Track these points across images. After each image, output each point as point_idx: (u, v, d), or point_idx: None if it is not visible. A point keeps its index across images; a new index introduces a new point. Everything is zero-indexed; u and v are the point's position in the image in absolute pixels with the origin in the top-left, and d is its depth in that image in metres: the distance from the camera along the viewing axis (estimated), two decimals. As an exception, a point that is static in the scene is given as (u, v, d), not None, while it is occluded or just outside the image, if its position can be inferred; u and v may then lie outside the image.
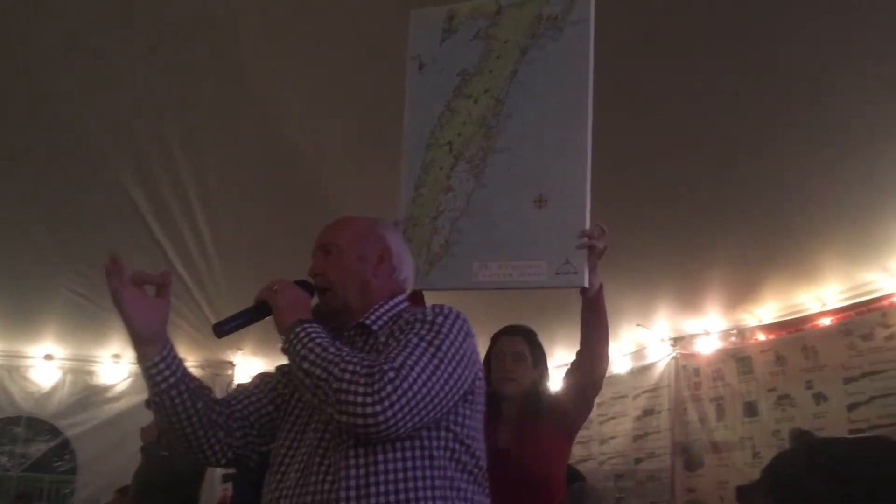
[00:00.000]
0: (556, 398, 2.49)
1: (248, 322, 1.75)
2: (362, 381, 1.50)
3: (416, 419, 1.53)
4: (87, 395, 6.89)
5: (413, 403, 1.51)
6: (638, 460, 6.10)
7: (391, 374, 1.50)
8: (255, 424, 1.80)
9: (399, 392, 1.49)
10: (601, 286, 2.20)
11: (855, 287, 4.69)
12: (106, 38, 3.74)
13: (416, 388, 1.52)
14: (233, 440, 1.76)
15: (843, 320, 4.75)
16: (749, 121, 3.73)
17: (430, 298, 2.36)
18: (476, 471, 1.67)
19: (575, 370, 2.36)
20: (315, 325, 1.65)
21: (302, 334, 1.62)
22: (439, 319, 1.64)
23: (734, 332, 5.49)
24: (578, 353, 2.34)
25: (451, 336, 1.62)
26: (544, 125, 2.20)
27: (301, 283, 1.78)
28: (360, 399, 1.48)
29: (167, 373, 1.66)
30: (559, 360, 4.82)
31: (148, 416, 4.73)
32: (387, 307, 1.78)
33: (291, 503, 1.59)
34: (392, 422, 1.49)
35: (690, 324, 5.77)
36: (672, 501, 5.63)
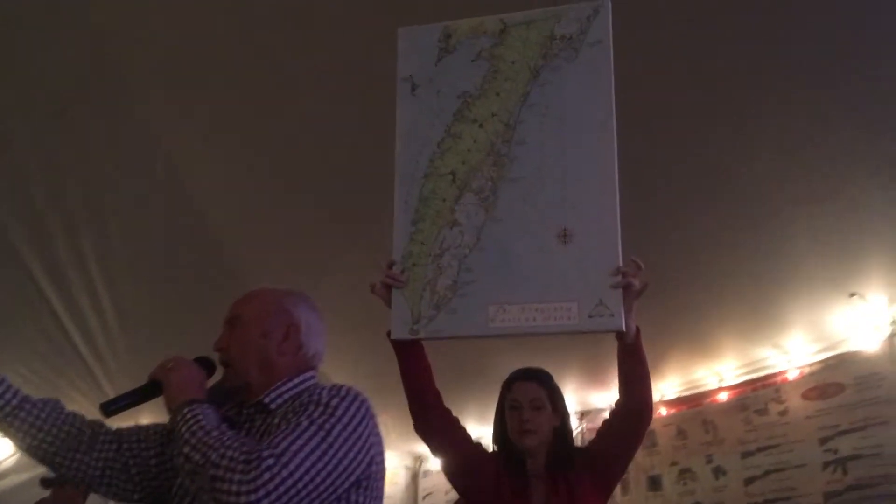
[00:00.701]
0: (592, 451, 2.20)
1: (137, 402, 1.68)
2: (239, 468, 1.43)
3: None
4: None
5: (293, 492, 1.44)
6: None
7: (270, 462, 1.43)
8: (133, 467, 1.75)
9: (277, 480, 1.43)
10: (638, 329, 1.97)
11: (750, 363, 4.80)
12: (5, 100, 3.43)
13: (296, 475, 1.45)
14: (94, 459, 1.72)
15: (739, 396, 4.89)
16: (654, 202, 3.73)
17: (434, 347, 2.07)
18: None
19: (618, 421, 2.10)
20: (205, 406, 1.58)
21: (189, 415, 1.55)
22: (334, 402, 1.56)
23: None
24: (619, 403, 2.08)
25: (346, 419, 1.55)
26: (565, 152, 1.98)
27: (201, 360, 1.72)
28: (234, 487, 1.42)
29: (8, 395, 1.68)
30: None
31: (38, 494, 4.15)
32: (289, 385, 1.70)
33: None
34: None
35: (597, 397, 5.73)
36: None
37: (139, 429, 1.80)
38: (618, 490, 5.35)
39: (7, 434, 1.70)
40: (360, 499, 1.58)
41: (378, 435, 1.63)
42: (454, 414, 2.19)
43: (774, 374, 4.68)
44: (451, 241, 1.99)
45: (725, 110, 3.33)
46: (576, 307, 1.87)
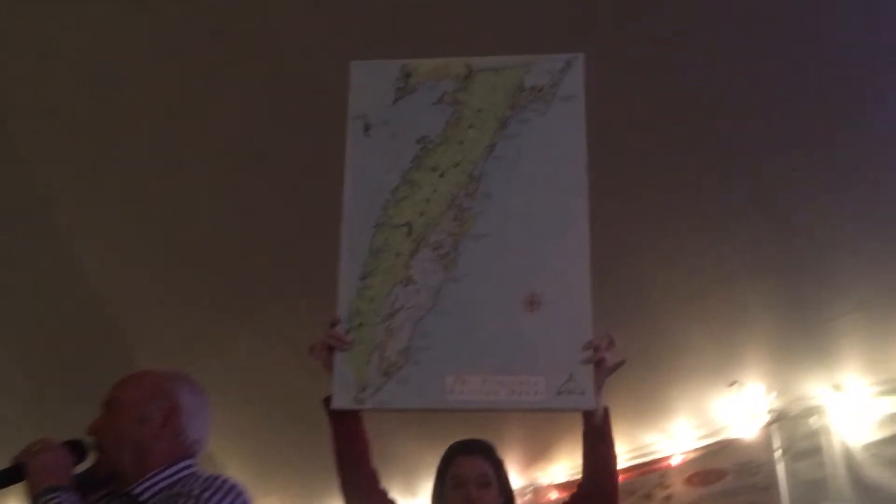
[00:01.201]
0: None
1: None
2: None
3: None
4: None
5: None
6: None
7: None
8: None
9: None
10: (607, 410, 1.81)
11: (637, 448, 4.79)
12: None
13: None
14: None
15: (626, 480, 4.77)
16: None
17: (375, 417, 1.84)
18: None
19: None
20: (68, 494, 1.48)
21: None
22: (206, 495, 1.50)
23: (529, 489, 5.37)
24: (583, 489, 1.88)
25: None
26: (534, 210, 1.82)
27: (72, 443, 1.60)
28: None
29: None
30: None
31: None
32: (164, 475, 1.59)
33: None
34: None
35: (541, 473, 5.49)
36: None
37: None
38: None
39: None
40: None
41: None
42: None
43: (660, 460, 4.68)
44: (405, 300, 1.79)
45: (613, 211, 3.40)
46: (543, 382, 1.70)
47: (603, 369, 1.71)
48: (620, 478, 4.69)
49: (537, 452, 5.11)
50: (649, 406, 4.39)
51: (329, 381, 1.77)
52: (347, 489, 1.86)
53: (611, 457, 1.85)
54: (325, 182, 3.09)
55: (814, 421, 4.01)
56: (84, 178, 3.40)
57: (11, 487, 1.56)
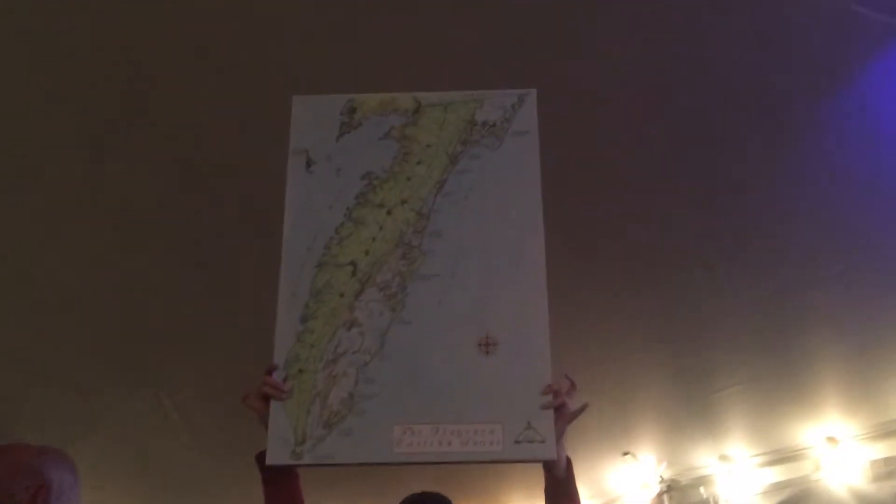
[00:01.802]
0: None
1: None
2: None
3: None
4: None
5: None
6: None
7: None
8: None
9: None
10: (570, 461, 1.67)
11: None
12: None
13: None
14: None
15: None
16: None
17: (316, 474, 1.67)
18: None
19: None
20: None
21: None
22: None
23: None
24: None
25: None
26: (486, 248, 1.71)
27: None
28: None
29: None
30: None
31: None
32: None
33: None
34: None
35: None
36: None
37: None
38: None
39: None
40: None
41: None
42: None
43: None
44: (349, 344, 1.64)
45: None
46: (500, 430, 1.56)
47: (564, 415, 1.58)
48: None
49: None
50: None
51: (263, 435, 1.60)
52: None
53: None
54: (223, 232, 2.96)
55: (703, 490, 4.21)
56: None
57: None
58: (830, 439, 3.79)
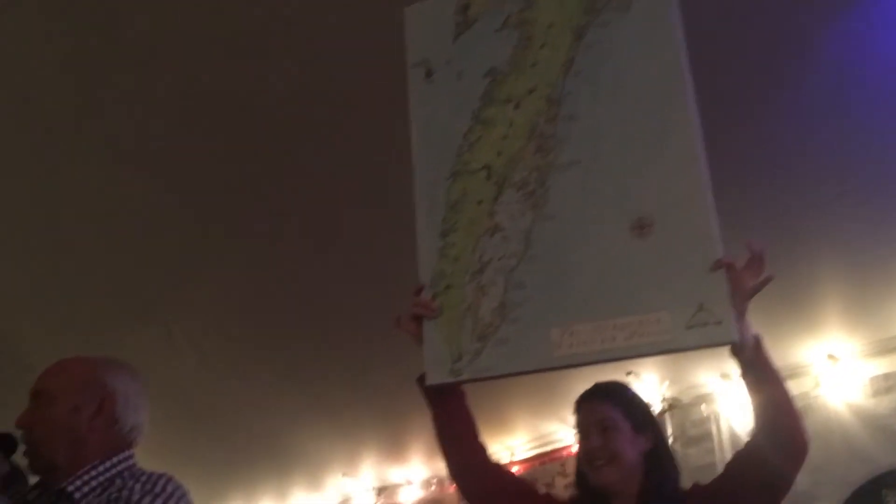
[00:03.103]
0: (714, 487, 1.63)
1: None
2: None
3: None
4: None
5: None
6: None
7: None
8: None
9: None
10: (759, 338, 1.46)
11: (539, 437, 4.82)
12: None
13: None
14: None
15: (529, 470, 4.84)
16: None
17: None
18: None
19: (755, 460, 1.52)
20: None
21: None
22: (146, 500, 1.41)
23: (434, 480, 5.22)
24: (756, 435, 1.51)
25: None
26: (629, 125, 1.53)
27: (1, 437, 1.60)
28: None
29: None
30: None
31: None
32: (100, 469, 1.50)
33: None
34: None
35: (395, 473, 5.44)
36: None
37: None
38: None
39: None
40: None
41: None
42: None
43: (560, 448, 4.71)
44: (493, 251, 1.54)
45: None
46: (667, 317, 1.39)
47: (743, 291, 1.37)
48: (522, 467, 4.65)
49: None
50: (550, 396, 4.28)
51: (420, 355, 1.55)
52: (457, 472, 1.64)
53: (781, 396, 1.45)
54: (223, 175, 2.93)
55: (704, 408, 4.17)
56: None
57: None
58: (831, 357, 3.71)
